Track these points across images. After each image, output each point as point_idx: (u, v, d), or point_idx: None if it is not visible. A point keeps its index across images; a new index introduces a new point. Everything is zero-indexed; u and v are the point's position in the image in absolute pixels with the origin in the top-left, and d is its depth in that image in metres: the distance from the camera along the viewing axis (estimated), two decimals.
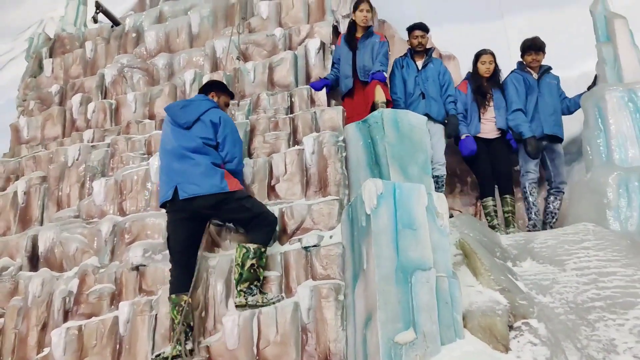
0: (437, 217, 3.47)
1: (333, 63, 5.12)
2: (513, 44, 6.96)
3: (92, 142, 5.37)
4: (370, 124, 3.95)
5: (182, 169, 3.74)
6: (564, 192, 5.13)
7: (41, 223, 4.84)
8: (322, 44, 5.21)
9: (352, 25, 5.12)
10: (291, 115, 4.60)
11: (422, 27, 5.28)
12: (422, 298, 3.09)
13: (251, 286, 3.63)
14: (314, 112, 4.50)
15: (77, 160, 4.99)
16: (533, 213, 5.00)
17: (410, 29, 5.31)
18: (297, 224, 3.94)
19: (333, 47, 5.33)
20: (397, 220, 3.31)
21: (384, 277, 3.10)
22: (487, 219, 5.07)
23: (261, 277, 3.68)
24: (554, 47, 6.48)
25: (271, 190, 4.20)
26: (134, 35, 6.43)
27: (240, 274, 3.62)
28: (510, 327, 3.31)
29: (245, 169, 4.27)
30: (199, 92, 4.24)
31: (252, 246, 3.67)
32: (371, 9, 5.16)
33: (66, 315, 4.09)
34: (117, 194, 4.59)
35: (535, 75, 5.28)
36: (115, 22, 6.91)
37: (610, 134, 4.59)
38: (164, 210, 4.33)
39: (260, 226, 3.76)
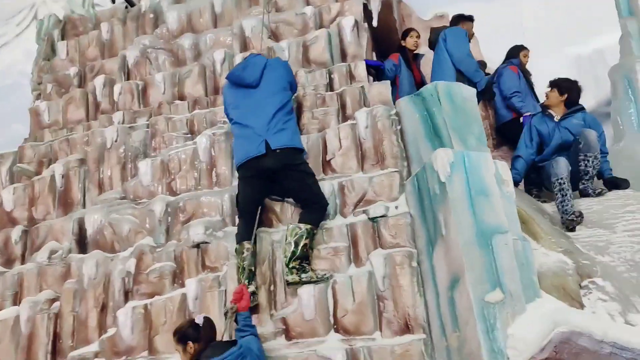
0: (503, 184, 3.60)
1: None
2: (526, 21, 7.17)
3: (122, 124, 5.28)
4: (425, 97, 4.01)
5: (266, 125, 3.90)
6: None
7: (84, 206, 4.76)
8: (356, 22, 5.24)
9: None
10: (338, 91, 4.62)
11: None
12: (504, 260, 3.20)
13: (302, 264, 3.71)
14: (362, 87, 4.54)
15: (115, 141, 4.91)
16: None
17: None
18: (358, 196, 4.00)
19: (366, 24, 5.36)
20: (469, 188, 3.42)
21: (467, 241, 3.21)
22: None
23: (310, 257, 3.77)
24: (568, 25, 6.71)
25: (327, 164, 4.24)
26: (151, 16, 6.30)
27: (293, 252, 3.69)
28: (579, 286, 3.48)
29: None
30: None
31: (306, 226, 3.75)
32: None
33: (126, 296, 4.08)
34: (165, 173, 4.56)
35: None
36: (130, 3, 6.78)
37: None
38: (217, 189, 4.38)
39: (314, 208, 3.87)
